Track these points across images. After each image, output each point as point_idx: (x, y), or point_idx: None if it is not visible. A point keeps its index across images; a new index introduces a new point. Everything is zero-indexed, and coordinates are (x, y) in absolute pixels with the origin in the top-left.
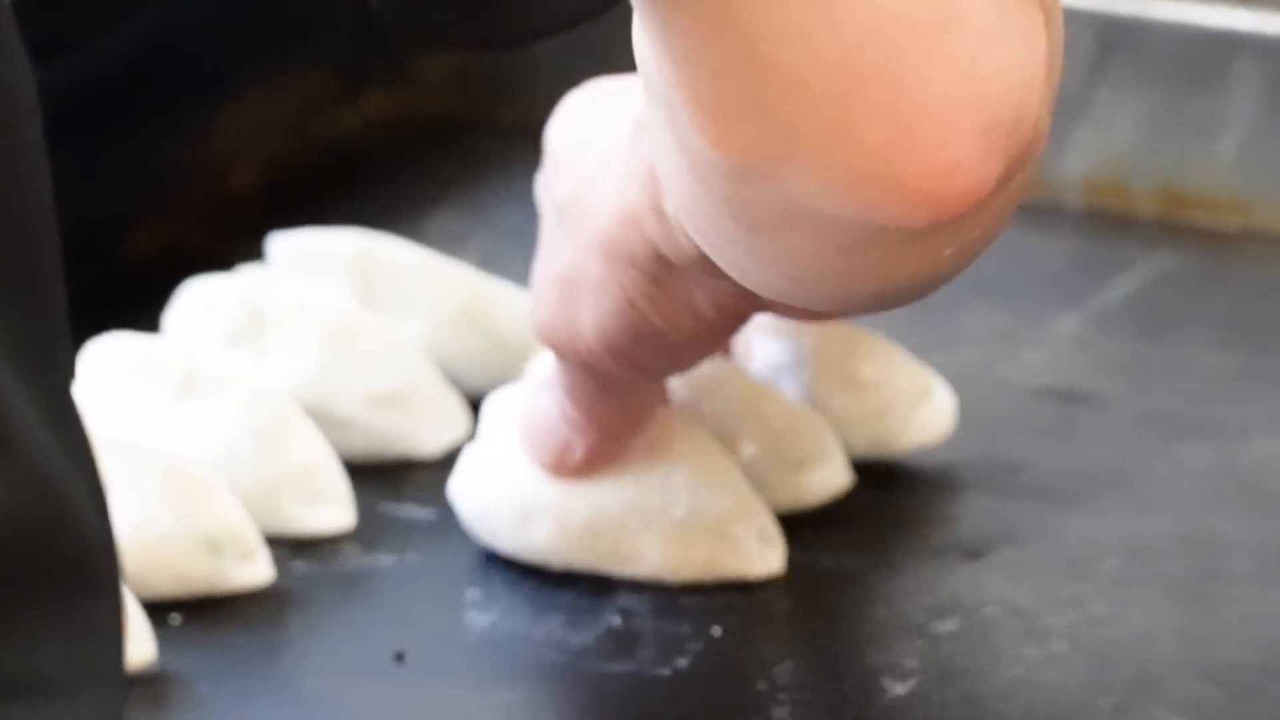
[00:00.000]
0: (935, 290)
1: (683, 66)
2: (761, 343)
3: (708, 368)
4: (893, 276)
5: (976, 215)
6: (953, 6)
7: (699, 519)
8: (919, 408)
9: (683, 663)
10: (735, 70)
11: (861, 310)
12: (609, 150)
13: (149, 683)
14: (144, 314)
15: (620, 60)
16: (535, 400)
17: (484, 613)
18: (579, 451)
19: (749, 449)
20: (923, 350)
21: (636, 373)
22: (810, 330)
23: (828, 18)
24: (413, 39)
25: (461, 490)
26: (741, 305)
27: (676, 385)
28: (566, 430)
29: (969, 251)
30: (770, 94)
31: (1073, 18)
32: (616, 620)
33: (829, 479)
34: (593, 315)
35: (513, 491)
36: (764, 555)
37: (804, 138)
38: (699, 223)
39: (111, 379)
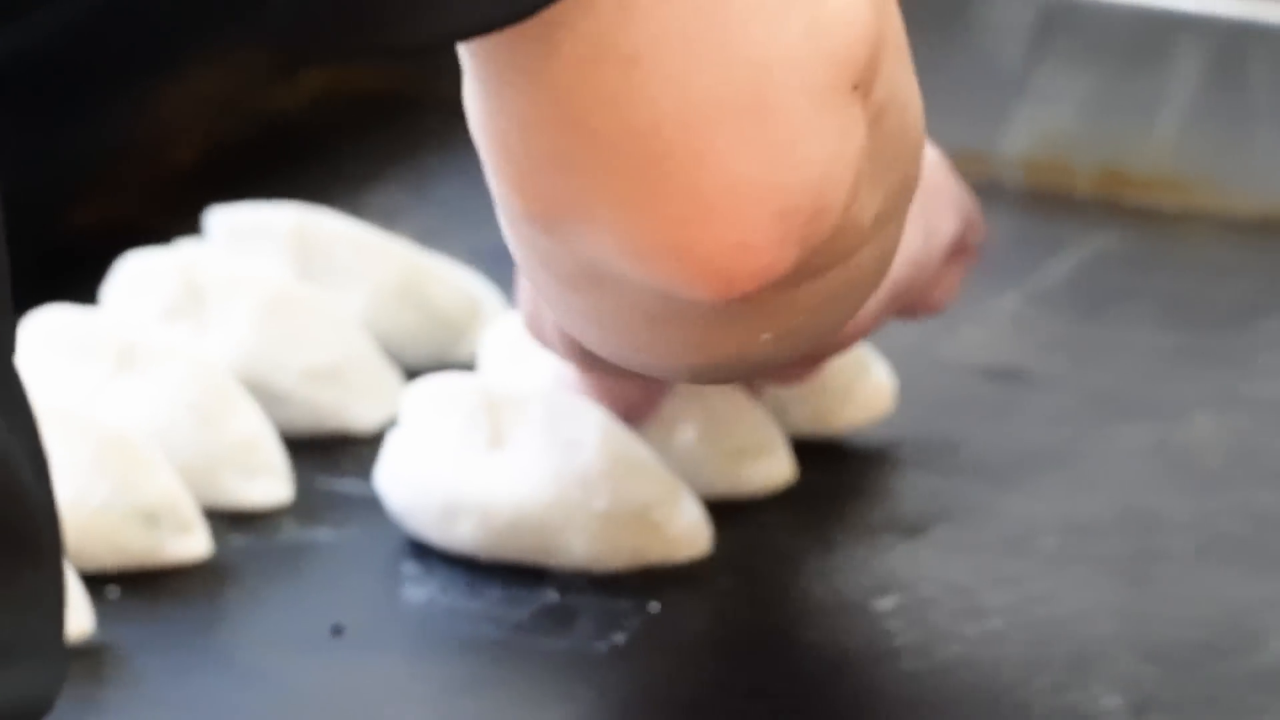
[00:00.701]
0: (765, 372)
1: (495, 116)
2: None
3: None
4: (707, 352)
5: (788, 301)
6: (765, 94)
7: (622, 508)
8: (857, 385)
9: (620, 638)
10: (542, 125)
11: (698, 380)
12: None
13: (86, 655)
14: (82, 286)
15: None
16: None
17: (421, 587)
18: (618, 412)
19: (688, 433)
20: None
21: (601, 372)
22: None
23: (641, 88)
24: (305, 52)
25: (387, 482)
26: None
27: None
28: (596, 397)
29: (795, 338)
30: (574, 153)
31: None
32: (554, 596)
33: (771, 471)
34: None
35: (436, 487)
36: (690, 540)
37: (604, 200)
38: (525, 268)
39: (50, 351)
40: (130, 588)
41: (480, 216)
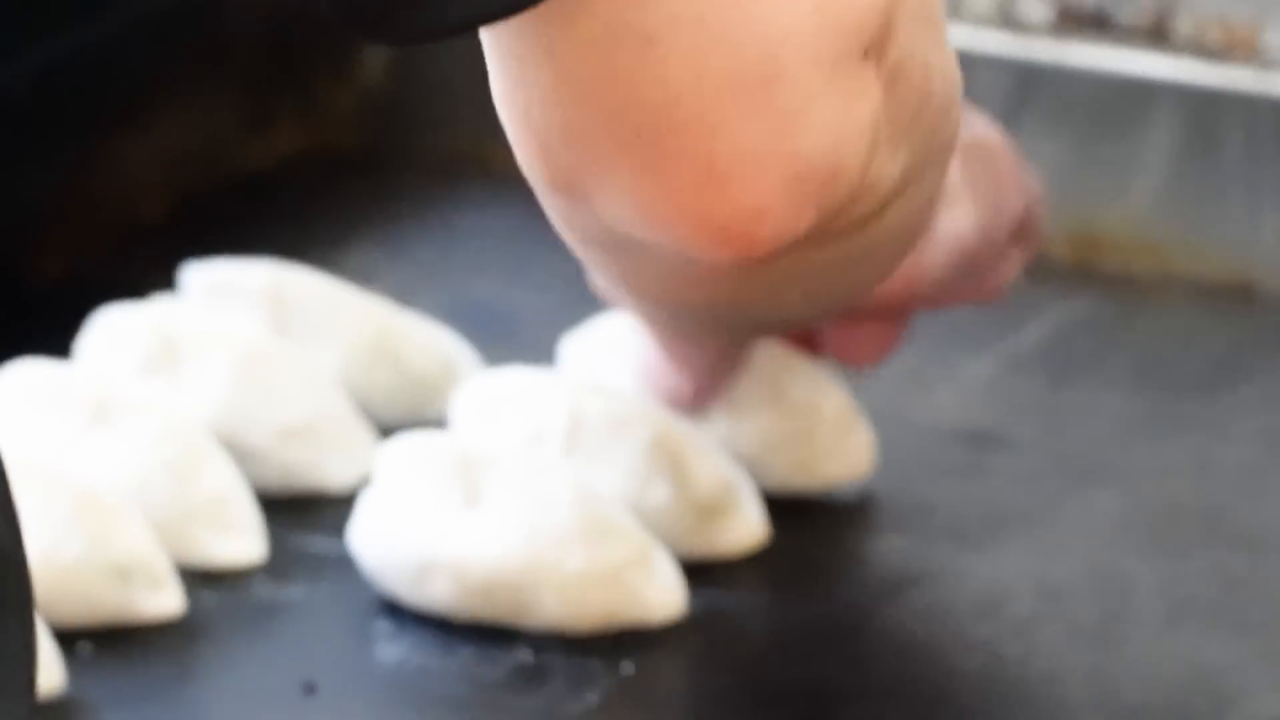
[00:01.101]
0: (805, 325)
1: (516, 90)
2: None
3: (625, 404)
4: (739, 309)
5: (813, 261)
6: (775, 65)
7: (596, 569)
8: (842, 440)
9: (593, 698)
10: (561, 100)
11: (742, 334)
12: None
13: (57, 710)
14: (54, 340)
15: None
16: (642, 344)
17: (394, 645)
18: (686, 388)
19: (660, 491)
20: None
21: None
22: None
23: (656, 67)
24: (352, 28)
25: (360, 542)
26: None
27: (588, 418)
28: (666, 369)
29: (828, 295)
30: (592, 126)
31: (989, 62)
32: (527, 655)
33: (744, 532)
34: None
35: (410, 546)
36: (664, 602)
37: (621, 170)
38: (561, 233)
39: (23, 405)
40: (102, 643)
41: (455, 275)
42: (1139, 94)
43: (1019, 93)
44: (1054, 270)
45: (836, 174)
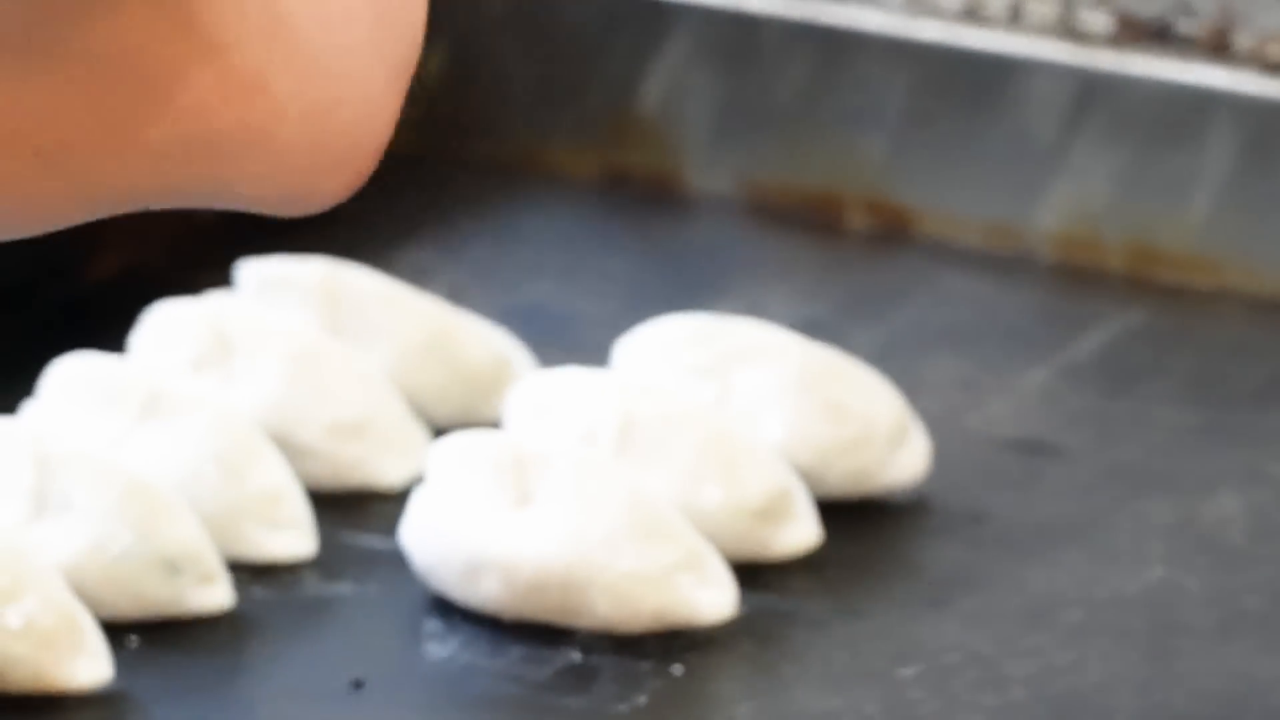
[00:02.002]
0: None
1: None
2: (742, 371)
3: (678, 405)
4: None
5: None
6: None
7: (647, 570)
8: (897, 447)
9: (642, 700)
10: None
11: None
12: None
13: (104, 703)
14: (109, 335)
15: (592, 99)
16: None
17: (442, 644)
18: None
19: (714, 493)
20: None
21: None
22: (794, 358)
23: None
24: None
25: (411, 539)
26: None
27: (641, 419)
28: None
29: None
30: None
31: (1049, 72)
32: (576, 655)
33: (797, 535)
34: None
35: (460, 545)
36: (715, 604)
37: None
38: None
39: (76, 398)
40: (151, 637)
41: (509, 276)
42: (1198, 106)
43: (1079, 103)
44: (1111, 282)
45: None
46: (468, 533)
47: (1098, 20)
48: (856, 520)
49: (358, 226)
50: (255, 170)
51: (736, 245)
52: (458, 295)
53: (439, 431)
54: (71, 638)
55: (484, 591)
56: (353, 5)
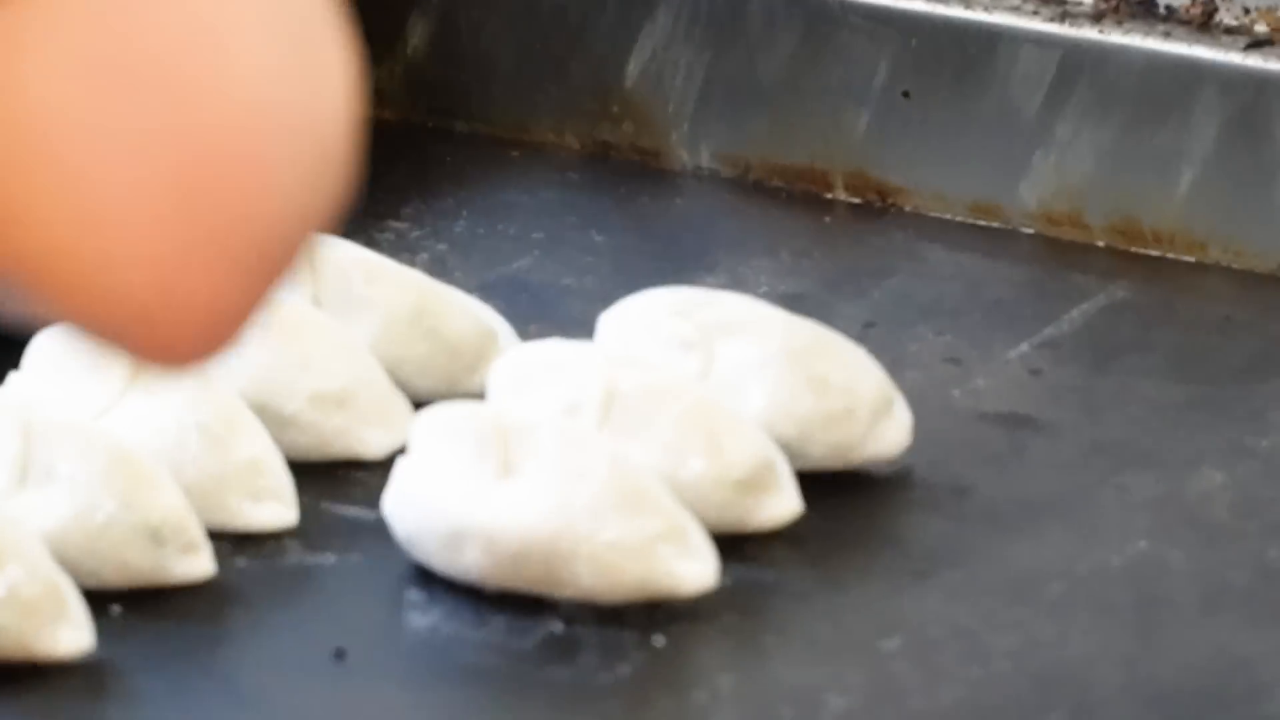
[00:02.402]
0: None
1: None
2: (726, 344)
3: (661, 378)
4: None
5: None
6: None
7: (629, 541)
8: (881, 419)
9: (624, 670)
10: None
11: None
12: None
13: (87, 672)
14: None
15: (574, 76)
16: None
17: (425, 614)
18: None
19: (696, 465)
20: None
21: None
22: (777, 331)
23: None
24: None
25: (394, 509)
26: None
27: (624, 391)
28: None
29: None
30: None
31: (1035, 45)
32: (558, 626)
33: (779, 506)
34: None
35: (442, 514)
36: (697, 575)
37: None
38: None
39: (61, 367)
40: (133, 606)
41: (494, 250)
42: (1183, 80)
43: (1063, 77)
44: (1095, 257)
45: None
46: (450, 503)
47: None
48: (839, 493)
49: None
50: (60, 305)
51: (721, 219)
52: (441, 269)
53: (421, 404)
54: (54, 606)
55: (466, 562)
56: (153, 165)
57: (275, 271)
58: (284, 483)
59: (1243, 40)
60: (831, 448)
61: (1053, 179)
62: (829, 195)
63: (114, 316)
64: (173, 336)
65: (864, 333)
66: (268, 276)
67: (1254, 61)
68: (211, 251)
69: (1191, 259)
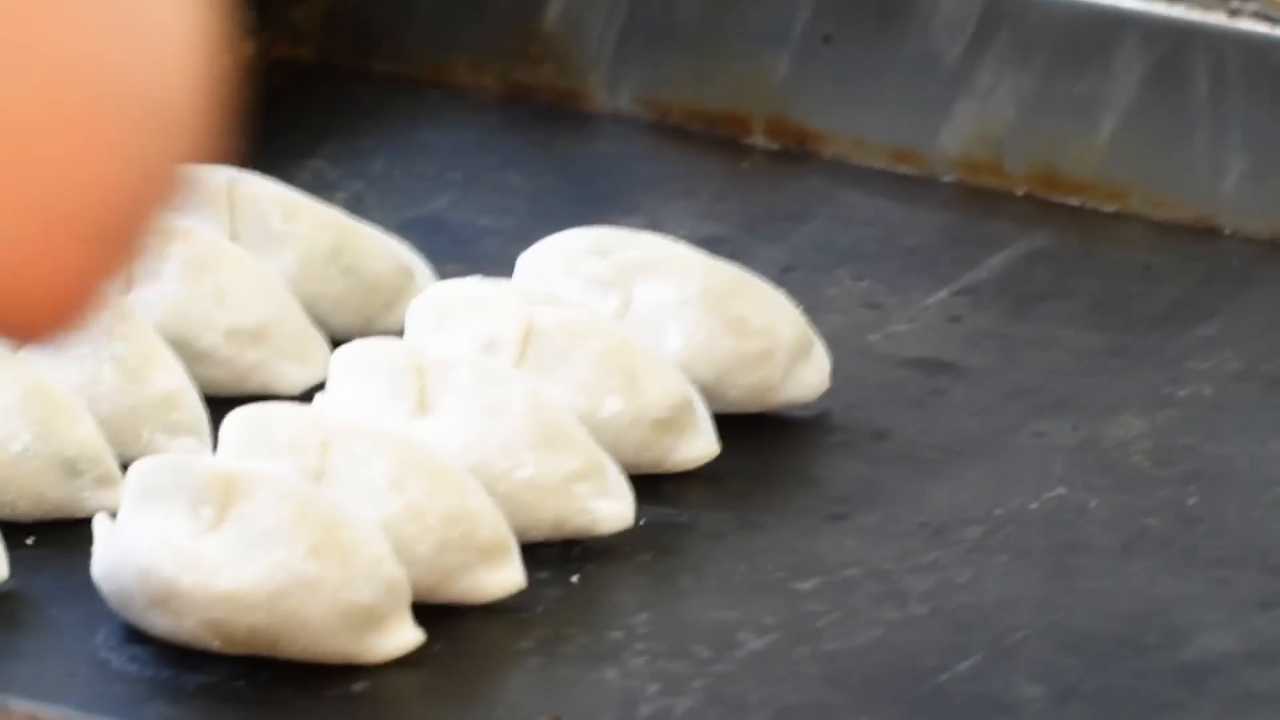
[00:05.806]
0: None
1: None
2: (644, 283)
3: (579, 317)
4: None
5: None
6: None
7: (545, 479)
8: (799, 362)
9: (539, 609)
10: None
11: None
12: None
13: (1, 601)
14: None
15: (495, 13)
16: None
17: None
18: None
19: (614, 404)
20: None
21: None
22: (697, 272)
23: None
24: None
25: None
26: None
27: (542, 329)
28: None
29: None
30: None
31: None
32: None
33: (696, 447)
34: None
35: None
36: (613, 514)
37: None
38: None
39: None
40: (47, 537)
41: (411, 190)
42: (1105, 28)
43: (984, 24)
44: (1014, 204)
45: None
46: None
47: None
48: (756, 434)
49: (258, 137)
50: None
51: (639, 162)
52: (359, 207)
53: (339, 341)
54: None
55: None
56: None
57: (120, 244)
58: (199, 416)
59: None
60: (749, 390)
61: (973, 126)
62: (748, 139)
63: None
64: (16, 313)
65: (782, 277)
66: (112, 249)
67: (1176, 11)
68: (46, 226)
69: (1112, 208)
